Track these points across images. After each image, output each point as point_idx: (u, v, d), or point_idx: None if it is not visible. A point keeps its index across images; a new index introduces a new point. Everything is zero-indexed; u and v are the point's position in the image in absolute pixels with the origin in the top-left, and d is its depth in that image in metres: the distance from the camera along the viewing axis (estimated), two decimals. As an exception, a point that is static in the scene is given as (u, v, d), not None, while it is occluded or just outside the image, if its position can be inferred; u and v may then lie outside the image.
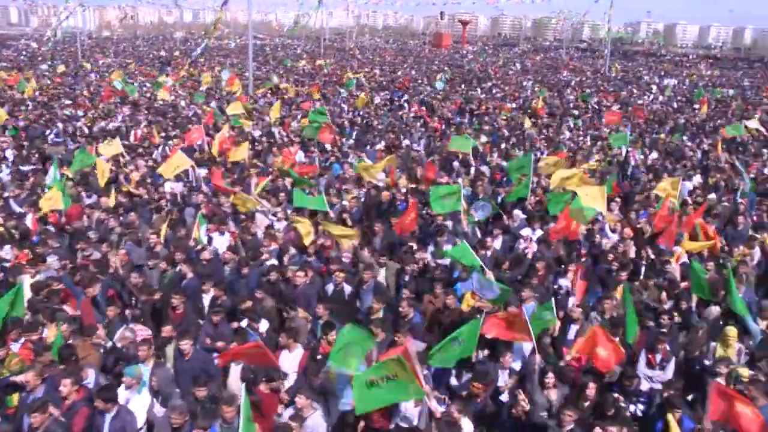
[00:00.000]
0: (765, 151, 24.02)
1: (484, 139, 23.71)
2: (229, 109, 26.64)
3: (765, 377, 8.10)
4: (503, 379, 8.62)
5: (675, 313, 10.25)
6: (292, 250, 12.16)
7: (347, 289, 10.85)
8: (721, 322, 9.83)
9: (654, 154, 22.32)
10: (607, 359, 8.43)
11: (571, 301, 10.49)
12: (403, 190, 16.08)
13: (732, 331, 8.90)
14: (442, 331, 9.80)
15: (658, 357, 8.89)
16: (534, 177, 16.17)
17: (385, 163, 17.25)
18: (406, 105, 33.75)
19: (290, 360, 8.93)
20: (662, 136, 26.24)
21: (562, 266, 11.74)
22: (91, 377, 8.24)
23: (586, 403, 7.82)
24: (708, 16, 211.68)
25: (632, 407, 8.57)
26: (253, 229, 13.36)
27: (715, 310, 10.42)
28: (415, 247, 12.10)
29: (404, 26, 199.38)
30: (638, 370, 8.96)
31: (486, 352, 9.04)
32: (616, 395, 7.99)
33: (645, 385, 8.91)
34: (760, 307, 10.30)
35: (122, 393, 8.01)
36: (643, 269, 12.08)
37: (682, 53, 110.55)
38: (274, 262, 11.86)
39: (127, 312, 10.46)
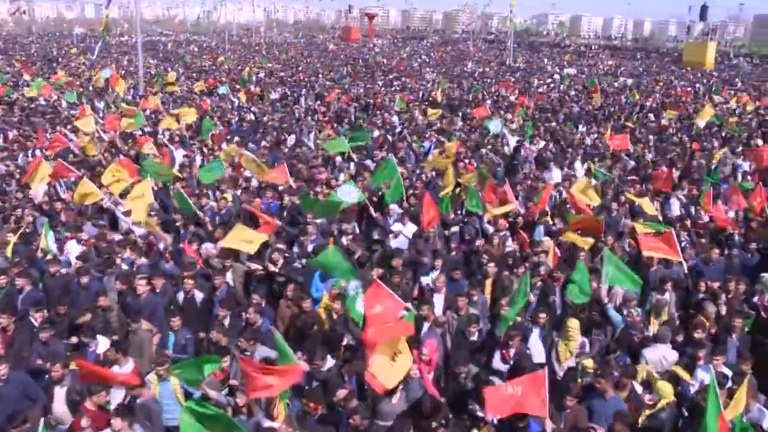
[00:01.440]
0: (651, 137, 24.54)
1: (375, 132, 23.38)
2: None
3: (614, 369, 7.93)
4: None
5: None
6: (143, 259, 11.36)
7: (199, 296, 10.18)
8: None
9: (541, 143, 22.38)
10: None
11: (437, 298, 10.20)
12: (281, 188, 15.49)
13: (573, 323, 8.66)
14: (298, 337, 9.32)
15: (512, 351, 8.63)
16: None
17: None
18: (301, 100, 33.07)
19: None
20: (553, 124, 26.50)
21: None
22: None
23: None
24: (611, 9, 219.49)
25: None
26: (110, 236, 12.50)
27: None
28: (282, 247, 11.48)
29: (315, 20, 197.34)
30: (493, 365, 8.70)
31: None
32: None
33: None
34: (625, 297, 10.21)
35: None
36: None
37: (585, 44, 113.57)
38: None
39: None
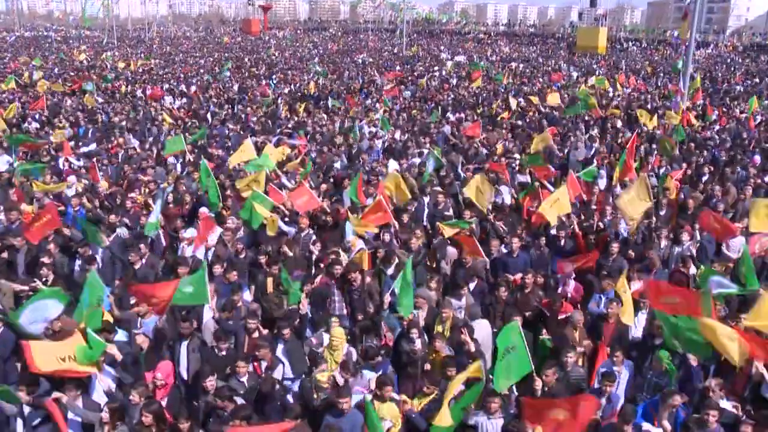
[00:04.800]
0: (519, 123, 24.35)
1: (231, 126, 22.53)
2: None
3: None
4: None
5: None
6: None
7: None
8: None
9: (398, 134, 21.94)
10: None
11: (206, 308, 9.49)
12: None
13: (338, 331, 8.08)
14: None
15: (263, 365, 8.00)
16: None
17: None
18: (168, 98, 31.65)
19: None
20: (414, 112, 26.12)
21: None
22: None
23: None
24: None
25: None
26: None
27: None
28: (47, 261, 10.47)
29: (217, 13, 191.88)
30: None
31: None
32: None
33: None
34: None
35: None
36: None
37: (484, 31, 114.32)
38: None
39: None
